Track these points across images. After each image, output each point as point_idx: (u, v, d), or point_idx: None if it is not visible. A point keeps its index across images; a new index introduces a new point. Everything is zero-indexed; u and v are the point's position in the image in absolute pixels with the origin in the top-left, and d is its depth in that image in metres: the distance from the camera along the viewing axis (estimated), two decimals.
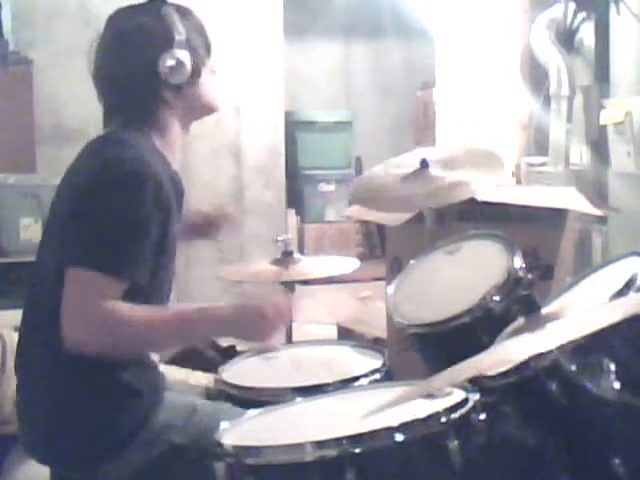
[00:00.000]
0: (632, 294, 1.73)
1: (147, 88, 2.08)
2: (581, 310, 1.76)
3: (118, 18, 2.15)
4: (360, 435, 1.57)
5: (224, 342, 3.57)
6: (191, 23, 2.17)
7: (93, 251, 1.93)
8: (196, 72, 2.12)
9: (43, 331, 2.02)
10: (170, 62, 2.06)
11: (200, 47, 2.15)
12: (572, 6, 4.85)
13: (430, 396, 1.69)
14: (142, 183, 1.94)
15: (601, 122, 4.34)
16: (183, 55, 2.08)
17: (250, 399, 2.14)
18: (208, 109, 2.20)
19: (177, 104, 2.11)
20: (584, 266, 3.64)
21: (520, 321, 1.88)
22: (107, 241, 1.93)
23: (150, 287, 1.99)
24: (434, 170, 2.57)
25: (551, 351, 1.61)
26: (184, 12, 2.17)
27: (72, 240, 1.95)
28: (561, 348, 1.59)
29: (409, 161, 2.63)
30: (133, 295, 1.94)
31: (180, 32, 2.10)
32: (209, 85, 2.17)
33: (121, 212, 1.94)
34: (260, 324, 2.01)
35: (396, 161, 2.71)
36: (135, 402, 2.00)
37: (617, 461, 1.65)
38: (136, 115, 2.09)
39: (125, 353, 1.98)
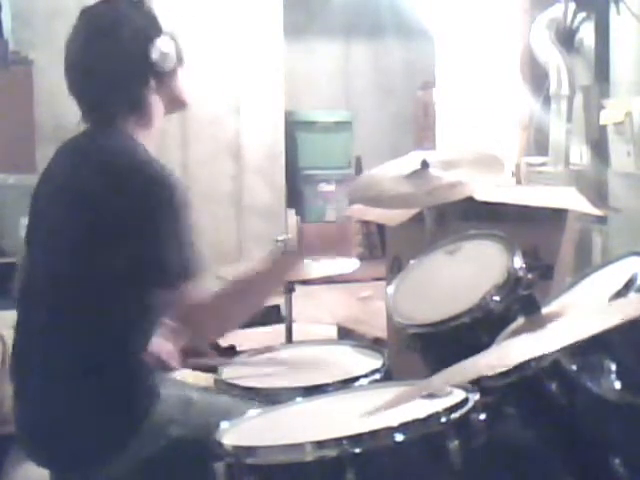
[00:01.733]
0: (632, 294, 1.73)
1: (137, 76, 2.09)
2: (581, 311, 1.76)
3: (99, 10, 2.14)
4: (360, 435, 1.57)
5: (224, 342, 3.57)
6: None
7: (177, 268, 1.96)
8: (180, 61, 2.14)
9: (42, 335, 2.03)
10: (161, 49, 2.08)
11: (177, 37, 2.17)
12: (572, 6, 4.86)
13: (430, 396, 1.69)
14: (177, 189, 1.98)
15: (601, 122, 4.35)
16: (170, 43, 2.11)
17: (250, 399, 2.14)
18: (181, 103, 2.20)
19: (161, 93, 2.12)
20: (584, 266, 3.63)
21: (520, 321, 1.88)
22: (184, 253, 1.96)
23: None
24: (434, 170, 2.57)
25: (551, 354, 1.60)
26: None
27: (141, 263, 1.95)
28: (561, 351, 1.59)
29: (409, 162, 2.63)
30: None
31: (162, 23, 2.12)
32: (182, 78, 2.18)
33: (177, 221, 1.97)
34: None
35: (396, 163, 2.70)
36: (132, 402, 2.00)
37: (617, 461, 1.65)
38: (123, 106, 2.09)
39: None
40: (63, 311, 1.99)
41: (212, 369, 2.44)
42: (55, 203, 2.10)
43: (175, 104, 2.19)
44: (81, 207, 2.02)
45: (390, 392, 1.80)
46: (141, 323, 2.03)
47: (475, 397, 1.68)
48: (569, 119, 4.82)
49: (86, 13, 2.14)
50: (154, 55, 2.07)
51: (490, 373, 1.68)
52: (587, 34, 4.80)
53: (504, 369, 1.68)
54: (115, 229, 1.97)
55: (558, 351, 1.59)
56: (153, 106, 2.12)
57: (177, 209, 1.97)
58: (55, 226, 2.08)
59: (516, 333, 1.80)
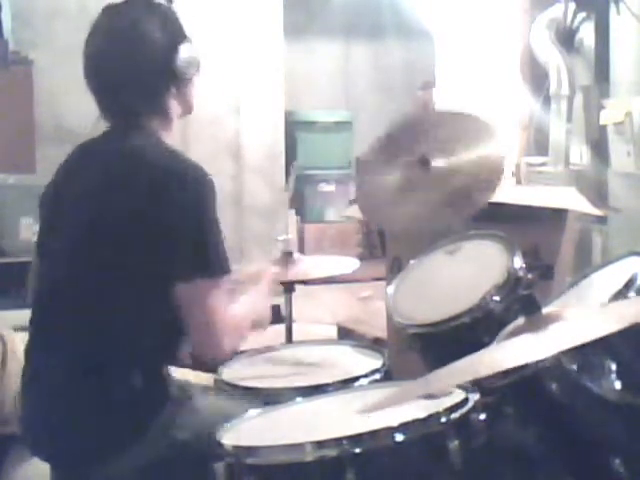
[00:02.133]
0: (632, 294, 1.73)
1: (161, 80, 2.09)
2: (582, 313, 1.76)
3: (123, 11, 2.12)
4: (360, 435, 1.57)
5: None
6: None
7: (206, 261, 1.99)
8: (199, 68, 2.15)
9: (48, 332, 2.04)
10: (186, 56, 2.10)
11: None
12: (572, 6, 4.86)
13: (430, 396, 1.69)
14: (211, 184, 2.05)
15: (601, 122, 4.35)
16: (193, 50, 2.12)
17: (251, 399, 2.14)
18: (189, 109, 2.21)
19: (178, 99, 2.14)
20: (584, 266, 3.63)
21: (520, 321, 1.88)
22: (211, 246, 1.99)
23: None
24: (434, 168, 2.55)
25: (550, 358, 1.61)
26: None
27: (168, 256, 1.97)
28: (561, 353, 1.59)
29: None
30: None
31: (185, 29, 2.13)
32: (196, 85, 2.19)
33: (210, 216, 2.01)
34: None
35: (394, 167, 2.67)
36: (141, 401, 2.00)
37: (617, 461, 1.65)
38: (146, 108, 2.10)
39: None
40: (74, 310, 2.01)
41: (212, 369, 2.44)
42: (94, 203, 2.07)
43: (185, 110, 2.20)
44: (125, 205, 2.01)
45: (390, 392, 1.80)
46: (154, 325, 2.03)
47: (475, 397, 1.68)
48: (569, 119, 4.83)
49: (112, 11, 2.12)
50: (178, 61, 2.09)
51: (488, 373, 1.68)
52: (587, 34, 4.81)
53: (503, 369, 1.68)
54: (156, 227, 1.99)
55: (559, 354, 1.59)
56: (172, 110, 2.13)
57: (212, 206, 2.02)
58: (93, 226, 2.05)
59: (516, 333, 1.80)
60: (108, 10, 2.13)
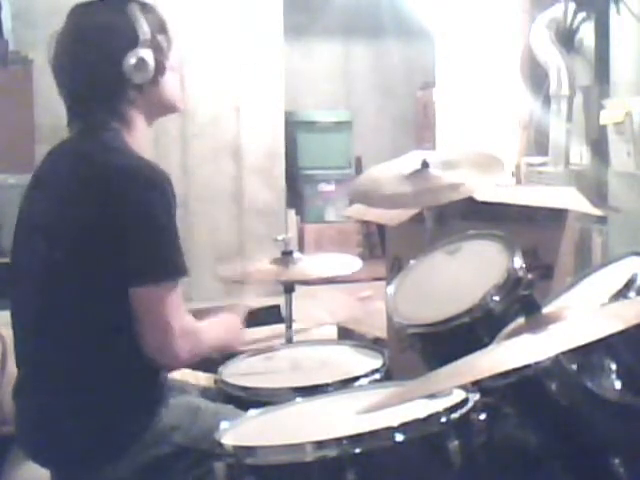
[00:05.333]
0: (632, 294, 1.73)
1: (112, 87, 2.08)
2: (582, 313, 1.76)
3: (80, 14, 2.14)
4: (360, 435, 1.57)
5: None
6: (154, 20, 2.13)
7: (158, 264, 1.96)
8: (160, 71, 2.11)
9: (42, 336, 2.03)
10: (134, 61, 2.05)
11: (163, 45, 2.13)
12: (572, 6, 4.87)
13: (430, 396, 1.69)
14: (165, 186, 1.98)
15: (601, 122, 4.35)
16: (147, 54, 2.07)
17: (250, 399, 2.14)
18: (170, 108, 2.19)
19: (140, 102, 2.11)
20: (584, 266, 3.63)
21: (520, 321, 1.87)
22: (165, 249, 1.97)
23: None
24: (434, 170, 2.57)
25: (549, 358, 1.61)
26: (147, 9, 2.14)
27: (124, 259, 1.94)
28: (561, 354, 1.59)
29: (409, 162, 2.62)
30: None
31: (144, 31, 2.08)
32: (171, 84, 2.16)
33: (162, 218, 1.97)
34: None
35: (396, 162, 2.70)
36: (138, 404, 2.00)
37: (617, 461, 1.65)
38: (102, 114, 2.08)
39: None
40: (64, 311, 1.99)
41: (212, 369, 2.44)
42: (52, 206, 2.09)
43: (162, 110, 2.18)
44: (77, 208, 2.01)
45: (390, 392, 1.80)
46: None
47: (475, 397, 1.68)
48: (569, 119, 4.83)
49: (73, 13, 2.17)
50: (126, 70, 2.05)
51: (488, 373, 1.68)
52: (587, 34, 4.81)
53: (503, 370, 1.68)
54: (107, 228, 1.96)
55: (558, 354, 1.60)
56: (133, 114, 2.10)
57: (166, 207, 1.97)
58: (52, 229, 2.06)
59: (516, 333, 1.80)
60: (71, 11, 2.16)
